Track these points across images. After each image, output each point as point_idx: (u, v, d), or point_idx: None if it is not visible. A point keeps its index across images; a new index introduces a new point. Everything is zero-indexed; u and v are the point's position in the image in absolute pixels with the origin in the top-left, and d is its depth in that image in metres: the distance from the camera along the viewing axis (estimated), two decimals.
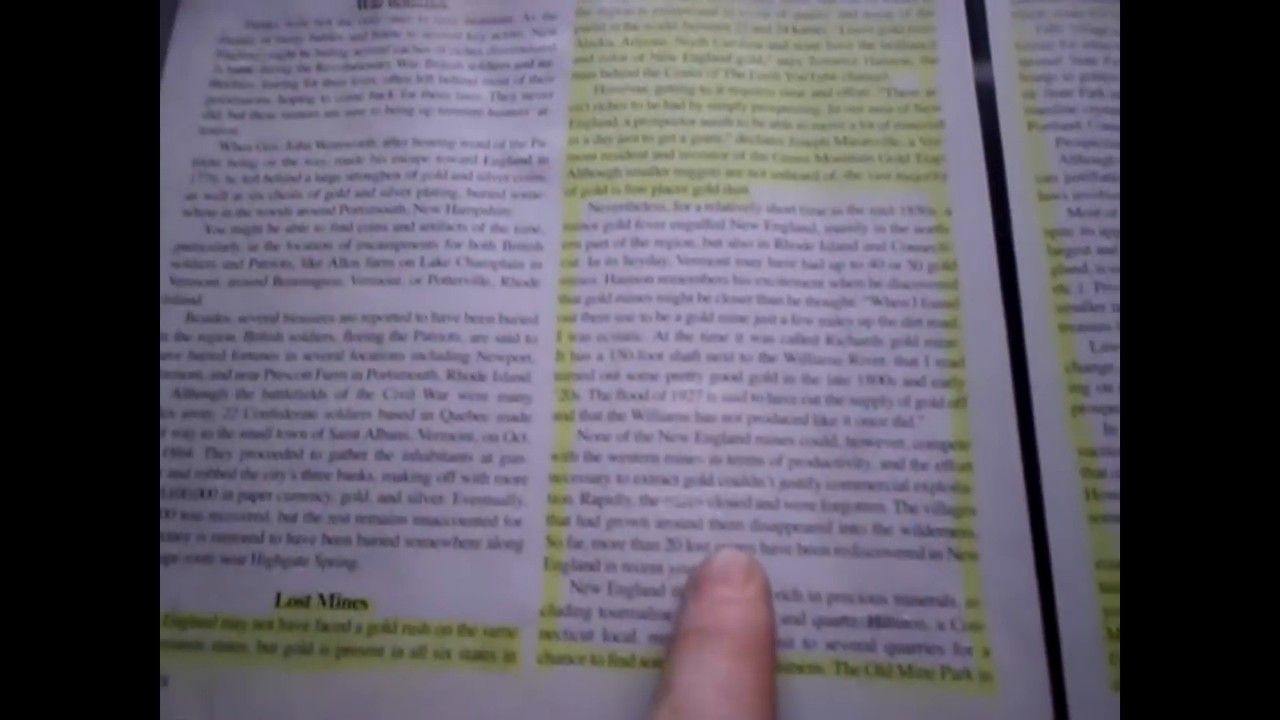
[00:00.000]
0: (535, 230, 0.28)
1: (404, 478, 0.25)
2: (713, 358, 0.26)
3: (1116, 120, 0.29)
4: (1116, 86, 0.29)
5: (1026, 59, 0.30)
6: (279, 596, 0.25)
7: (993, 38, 0.30)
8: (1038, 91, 0.29)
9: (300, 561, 0.25)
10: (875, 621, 0.23)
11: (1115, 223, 0.27)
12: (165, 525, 0.25)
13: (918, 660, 0.23)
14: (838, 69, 0.30)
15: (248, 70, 0.31)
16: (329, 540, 0.25)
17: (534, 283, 0.28)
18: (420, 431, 0.26)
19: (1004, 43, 0.30)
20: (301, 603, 0.24)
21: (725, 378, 0.26)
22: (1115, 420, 0.25)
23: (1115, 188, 0.28)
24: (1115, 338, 0.26)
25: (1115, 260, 0.27)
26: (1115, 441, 0.25)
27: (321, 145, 0.30)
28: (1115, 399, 0.25)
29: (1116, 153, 0.28)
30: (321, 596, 0.25)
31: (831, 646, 0.23)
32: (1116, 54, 0.29)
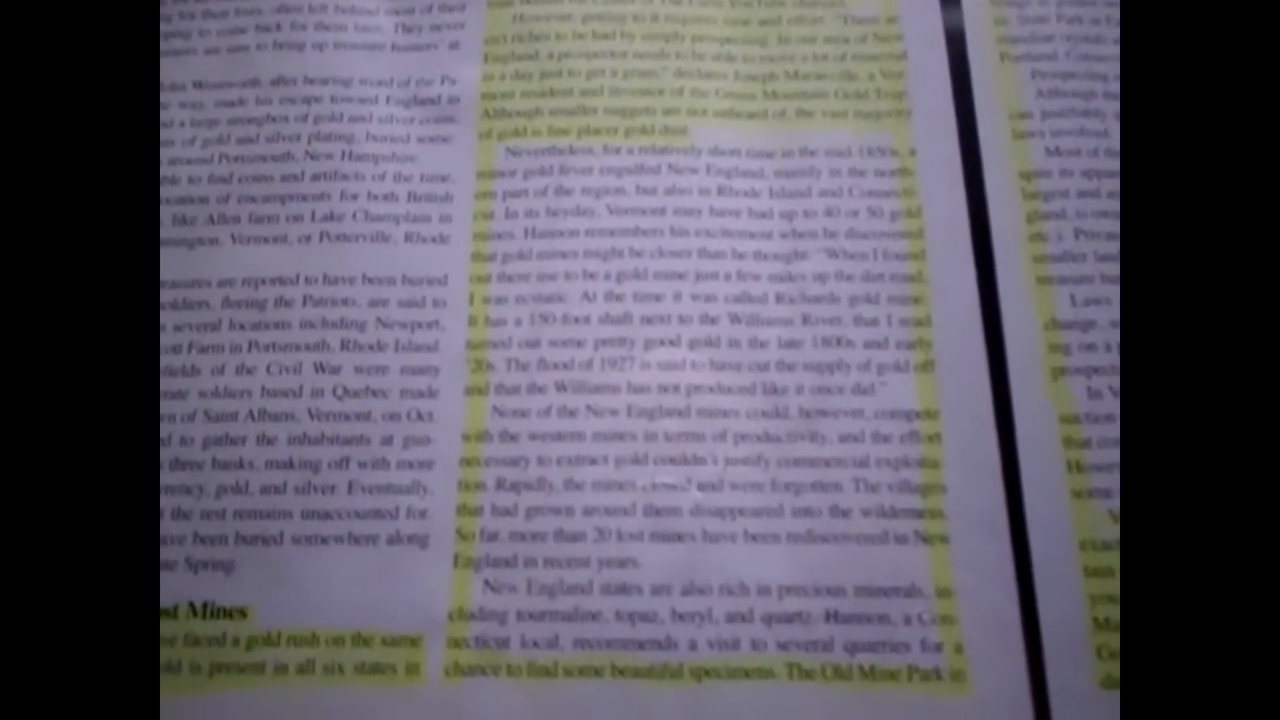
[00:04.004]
0: (444, 179, 0.25)
1: (290, 465, 0.22)
2: (647, 320, 0.23)
3: (1096, 50, 0.26)
4: (1096, 13, 0.26)
5: None
6: None
7: None
8: (1010, 19, 0.26)
9: (167, 565, 0.21)
10: (833, 617, 0.21)
11: (1097, 163, 0.25)
12: None
13: (881, 659, 0.20)
14: None
15: None
16: (201, 539, 0.22)
17: (443, 238, 0.24)
18: (309, 411, 0.23)
19: None
20: (168, 613, 0.21)
21: (661, 343, 0.23)
22: (1100, 383, 0.22)
23: (1096, 124, 0.25)
24: (1099, 291, 0.23)
25: (1097, 204, 0.24)
26: (1100, 407, 0.22)
27: (199, 86, 0.26)
28: (1100, 359, 0.23)
29: (1097, 86, 0.25)
30: (192, 605, 0.21)
31: (783, 646, 0.21)
32: None
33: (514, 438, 0.22)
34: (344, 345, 0.23)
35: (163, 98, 0.26)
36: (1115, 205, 0.24)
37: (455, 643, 0.21)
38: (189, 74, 0.26)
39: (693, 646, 0.21)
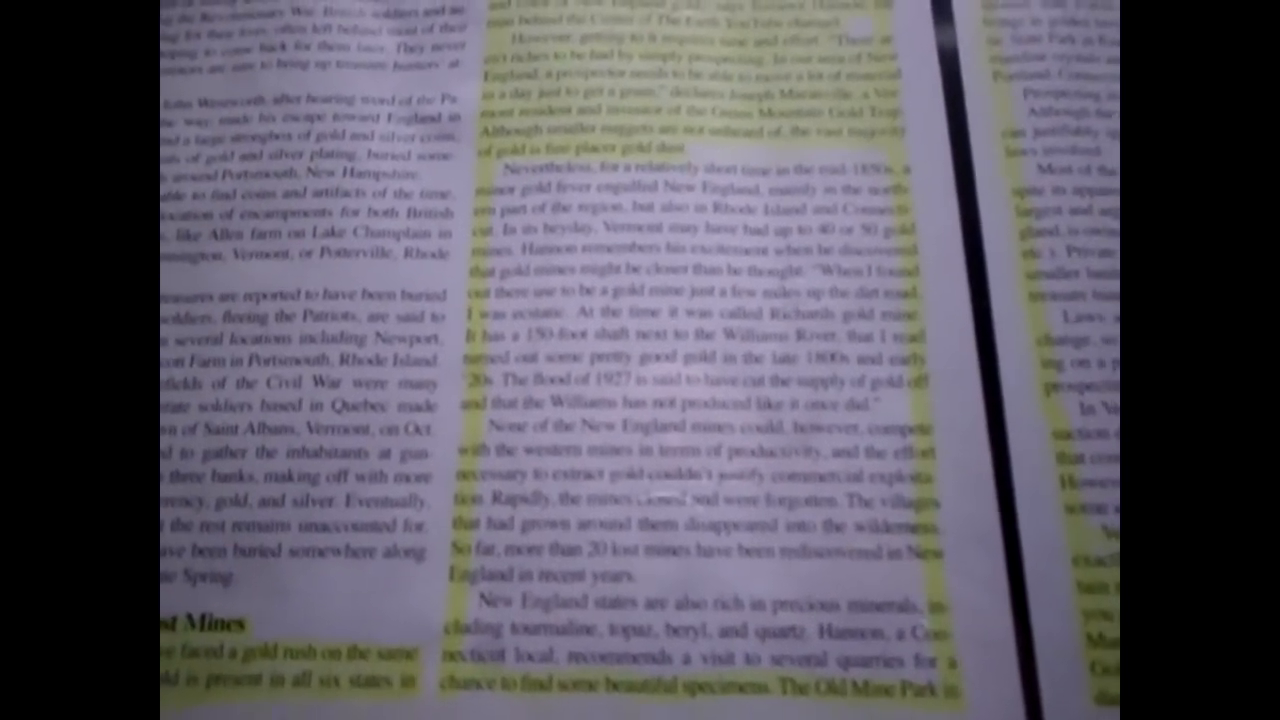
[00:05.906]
0: (444, 195, 0.25)
1: (289, 478, 0.22)
2: (643, 335, 0.23)
3: (1089, 69, 0.26)
4: (1089, 32, 0.27)
5: (991, 2, 0.27)
6: None
7: None
8: (1004, 38, 0.27)
9: (166, 577, 0.22)
10: (827, 631, 0.21)
11: (1089, 180, 0.25)
12: None
13: (875, 675, 0.20)
14: (783, 14, 0.27)
15: None
16: (200, 551, 0.22)
17: (442, 254, 0.24)
18: (309, 425, 0.23)
19: None
20: (166, 625, 0.21)
21: (657, 358, 0.23)
22: (1093, 399, 0.22)
23: (1088, 142, 0.25)
24: (1091, 307, 0.23)
25: (1089, 221, 0.24)
26: (1093, 423, 0.22)
27: (204, 104, 0.26)
28: (1092, 375, 0.23)
29: (1089, 104, 0.26)
30: (190, 617, 0.21)
31: (777, 661, 0.21)
32: None
33: (510, 452, 0.22)
34: (343, 359, 0.23)
35: (168, 115, 0.26)
36: (1107, 222, 0.24)
37: (451, 656, 0.21)
38: (194, 92, 0.27)
39: (687, 661, 0.21)
